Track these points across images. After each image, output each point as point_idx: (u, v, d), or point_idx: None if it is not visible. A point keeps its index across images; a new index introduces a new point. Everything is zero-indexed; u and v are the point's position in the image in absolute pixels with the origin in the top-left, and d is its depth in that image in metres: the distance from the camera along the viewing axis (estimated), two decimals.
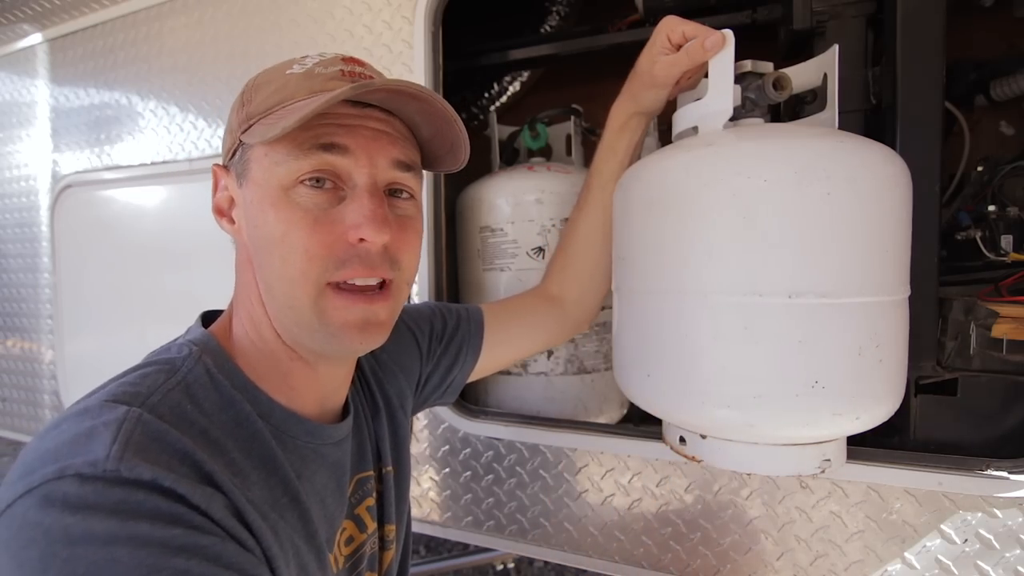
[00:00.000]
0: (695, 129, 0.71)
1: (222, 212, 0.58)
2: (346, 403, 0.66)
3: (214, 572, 0.39)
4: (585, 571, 0.99)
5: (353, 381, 0.68)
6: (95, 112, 1.38)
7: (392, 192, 0.56)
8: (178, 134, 1.27)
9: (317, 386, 0.59)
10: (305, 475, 0.56)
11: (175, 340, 0.57)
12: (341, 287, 0.52)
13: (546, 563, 2.21)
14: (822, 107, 0.72)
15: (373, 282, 0.53)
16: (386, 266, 0.53)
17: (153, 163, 1.30)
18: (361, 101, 0.53)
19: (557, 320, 0.92)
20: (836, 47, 0.70)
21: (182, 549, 0.38)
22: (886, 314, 0.62)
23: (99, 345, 1.41)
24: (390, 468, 0.71)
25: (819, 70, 0.74)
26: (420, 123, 0.57)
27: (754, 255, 0.59)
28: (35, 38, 1.46)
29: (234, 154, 0.56)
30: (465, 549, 2.17)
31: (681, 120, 0.75)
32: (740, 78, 0.71)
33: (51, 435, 0.43)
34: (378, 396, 0.73)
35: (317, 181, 0.51)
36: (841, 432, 0.64)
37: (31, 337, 1.55)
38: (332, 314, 0.52)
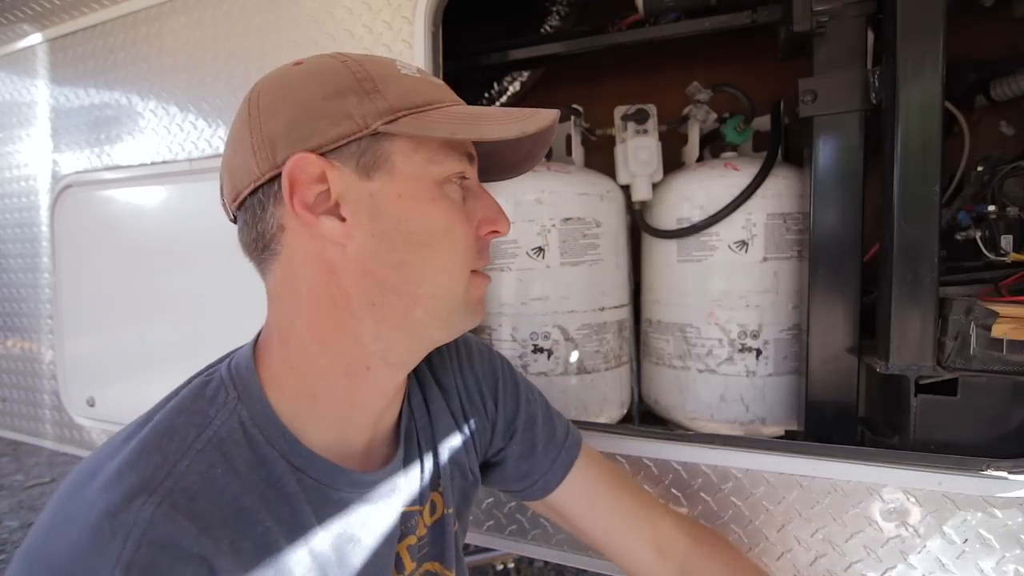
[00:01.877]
0: None
1: (312, 208, 0.49)
2: (398, 431, 0.63)
3: None
4: (585, 571, 0.99)
5: (411, 404, 0.66)
6: (95, 112, 1.38)
7: None
8: (178, 134, 1.27)
9: (379, 396, 0.57)
10: (347, 533, 0.54)
11: (221, 364, 0.55)
12: (474, 272, 0.56)
13: (546, 563, 2.21)
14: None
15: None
16: None
17: (153, 163, 1.30)
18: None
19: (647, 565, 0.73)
20: None
21: None
22: None
23: (99, 345, 1.41)
24: (451, 509, 0.67)
25: None
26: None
27: None
28: (35, 38, 1.46)
29: (347, 144, 0.49)
30: (465, 549, 2.17)
31: None
32: None
33: (63, 522, 0.41)
34: (454, 424, 0.69)
35: (461, 179, 0.55)
36: None
37: (31, 337, 1.55)
38: (474, 293, 0.56)
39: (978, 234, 0.86)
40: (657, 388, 1.14)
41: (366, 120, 0.49)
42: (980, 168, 0.90)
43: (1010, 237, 0.84)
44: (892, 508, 0.76)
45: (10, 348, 1.59)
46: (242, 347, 0.58)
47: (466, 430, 0.70)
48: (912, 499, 0.75)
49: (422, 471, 0.65)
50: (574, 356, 1.05)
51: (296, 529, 0.50)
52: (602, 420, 1.09)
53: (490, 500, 1.00)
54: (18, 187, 1.54)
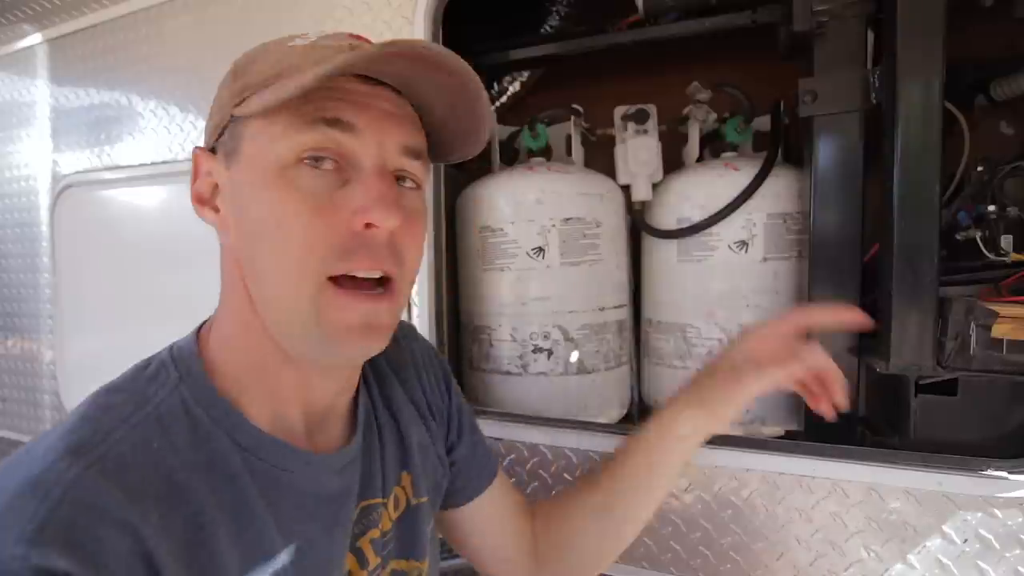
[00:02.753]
0: None
1: (203, 200, 0.51)
2: (354, 419, 0.60)
3: None
4: None
5: (370, 394, 0.63)
6: (95, 112, 1.38)
7: (397, 180, 0.50)
8: (178, 134, 1.27)
9: (308, 396, 0.54)
10: (297, 517, 0.50)
11: (165, 349, 0.53)
12: (342, 283, 0.46)
13: None
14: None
15: (376, 275, 0.47)
16: (392, 259, 0.47)
17: (153, 163, 1.30)
18: (372, 77, 0.47)
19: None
20: None
21: None
22: None
23: (99, 345, 1.41)
24: (425, 499, 0.64)
25: None
26: (434, 102, 0.50)
27: None
28: (35, 38, 1.46)
29: (221, 133, 0.49)
30: None
31: None
32: None
33: None
34: (417, 416, 0.67)
35: (317, 160, 0.45)
36: None
37: (31, 337, 1.55)
38: (332, 314, 0.46)
39: (978, 234, 0.86)
40: (657, 388, 1.14)
41: (228, 107, 0.48)
42: (980, 168, 0.90)
43: (1010, 237, 0.84)
44: (892, 508, 0.76)
45: (10, 348, 1.59)
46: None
47: (430, 423, 0.69)
48: (912, 499, 0.75)
49: (384, 464, 0.61)
50: (574, 356, 1.05)
51: (239, 510, 0.46)
52: (602, 420, 1.09)
53: None
54: (18, 187, 1.54)
